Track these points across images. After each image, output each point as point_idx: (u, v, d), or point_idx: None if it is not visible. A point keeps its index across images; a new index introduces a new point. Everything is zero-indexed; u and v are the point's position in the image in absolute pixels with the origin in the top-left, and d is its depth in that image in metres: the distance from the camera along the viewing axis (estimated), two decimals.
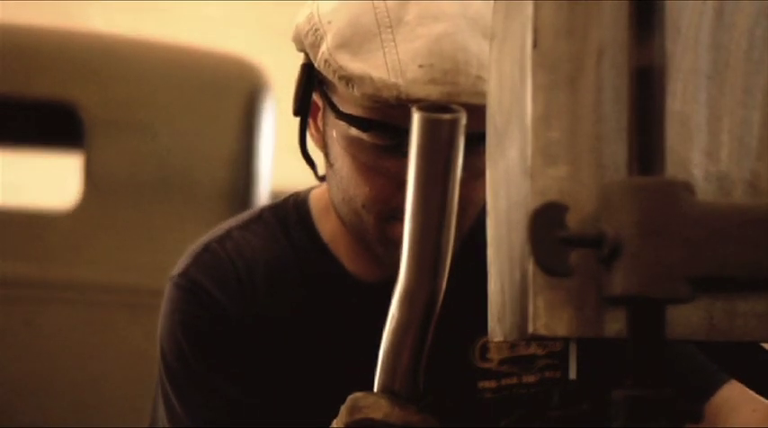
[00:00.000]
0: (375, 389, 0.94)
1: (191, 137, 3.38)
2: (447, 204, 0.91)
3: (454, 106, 0.92)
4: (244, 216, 1.33)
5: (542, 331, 0.78)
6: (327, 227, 1.27)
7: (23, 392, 3.47)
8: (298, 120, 1.25)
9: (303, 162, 1.31)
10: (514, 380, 1.18)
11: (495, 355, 1.18)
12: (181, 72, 3.46)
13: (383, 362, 0.94)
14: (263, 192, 3.15)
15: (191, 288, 1.24)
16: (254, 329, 1.24)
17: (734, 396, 1.20)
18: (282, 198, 1.32)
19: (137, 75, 3.36)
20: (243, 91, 3.40)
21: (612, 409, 0.77)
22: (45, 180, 3.55)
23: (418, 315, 0.93)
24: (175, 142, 3.36)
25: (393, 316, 0.93)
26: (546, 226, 0.76)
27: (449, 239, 0.92)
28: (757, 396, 1.20)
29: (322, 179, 1.24)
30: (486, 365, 1.18)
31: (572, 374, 0.84)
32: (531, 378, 1.18)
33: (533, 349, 1.19)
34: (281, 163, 3.44)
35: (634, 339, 0.76)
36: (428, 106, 0.92)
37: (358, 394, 0.93)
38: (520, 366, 1.18)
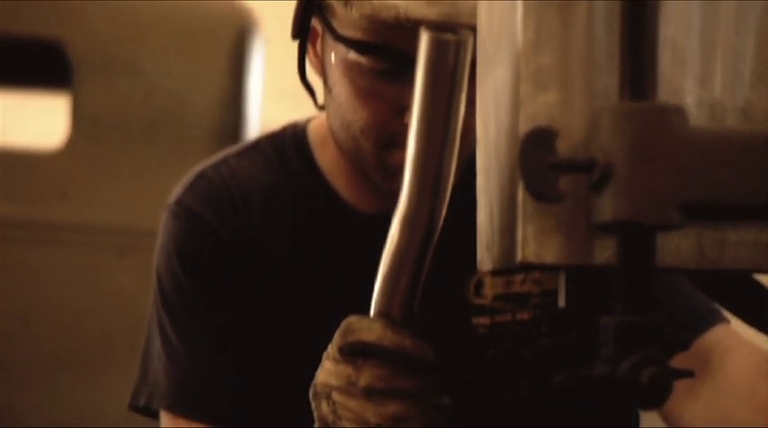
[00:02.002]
0: (371, 314, 0.93)
1: (179, 77, 3.35)
2: (451, 127, 0.91)
3: (463, 29, 0.91)
4: (240, 145, 1.32)
5: (531, 258, 0.78)
6: (325, 157, 1.26)
7: (10, 333, 3.47)
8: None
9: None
10: (508, 317, 1.18)
11: (489, 291, 1.18)
12: (170, 12, 3.43)
13: (381, 286, 0.93)
14: (253, 133, 3.14)
15: (186, 216, 1.24)
16: (250, 257, 1.23)
17: (727, 337, 1.20)
18: (280, 128, 1.31)
19: (125, 14, 3.33)
20: (232, 31, 3.38)
21: (601, 336, 0.76)
22: (32, 120, 3.52)
23: (418, 238, 0.92)
24: (164, 82, 3.34)
25: (393, 239, 0.93)
26: (536, 151, 0.75)
27: (451, 163, 0.92)
28: (749, 340, 1.19)
29: (321, 108, 1.23)
30: (481, 301, 1.18)
31: (561, 303, 0.83)
32: (524, 316, 1.18)
33: (528, 287, 1.18)
34: (271, 106, 3.42)
35: (623, 266, 0.75)
36: (437, 27, 0.91)
37: (352, 317, 0.93)
38: (514, 303, 1.18)
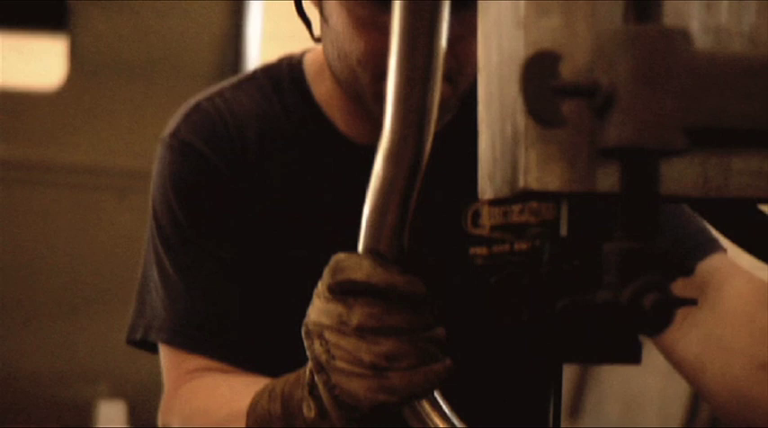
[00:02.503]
0: (359, 250, 0.92)
1: (177, 17, 3.33)
2: (433, 56, 0.88)
3: None
4: (236, 77, 1.30)
5: (533, 185, 0.77)
6: (321, 89, 1.25)
7: (11, 273, 3.47)
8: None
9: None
10: (506, 248, 1.16)
11: (487, 222, 1.17)
12: None
13: (367, 223, 0.91)
14: None
15: (181, 148, 1.23)
16: (246, 188, 1.22)
17: (724, 266, 1.19)
18: (276, 60, 1.30)
19: None
20: None
21: (604, 262, 0.75)
22: (30, 61, 3.50)
23: (403, 173, 0.90)
24: (162, 23, 3.32)
25: (377, 175, 0.91)
26: (539, 75, 0.74)
27: (434, 95, 0.89)
28: (747, 270, 1.18)
29: (318, 40, 1.22)
30: (478, 231, 1.17)
31: (563, 231, 0.83)
32: (522, 246, 1.17)
33: (526, 217, 1.17)
34: (269, 46, 3.40)
35: (627, 192, 0.74)
36: None
37: (341, 255, 0.91)
38: (512, 233, 1.17)
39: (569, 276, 0.79)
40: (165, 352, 1.24)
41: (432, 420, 0.91)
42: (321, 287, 0.92)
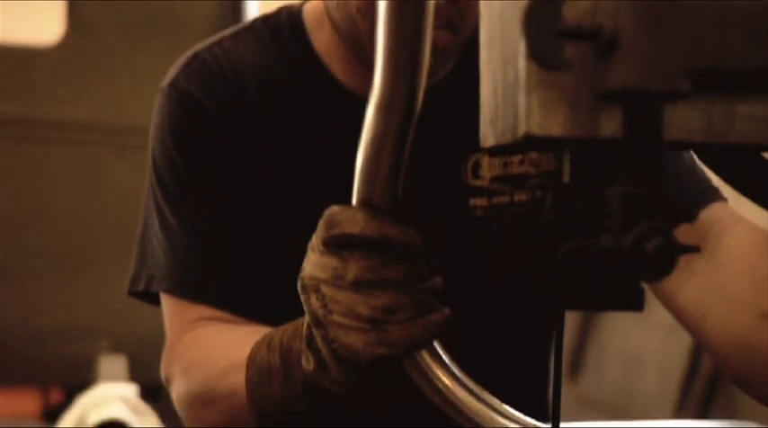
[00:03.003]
0: (353, 202, 0.91)
1: None
2: (424, 3, 0.87)
3: None
4: (235, 27, 1.29)
5: (536, 130, 0.76)
6: (321, 39, 1.24)
7: (11, 230, 3.47)
8: None
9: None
10: (506, 199, 1.16)
11: (486, 173, 1.16)
12: None
13: (360, 174, 0.90)
14: None
15: (180, 97, 1.22)
16: (245, 138, 1.22)
17: (725, 215, 1.18)
18: (275, 10, 1.29)
19: None
20: None
21: (606, 207, 0.75)
22: (29, 17, 3.48)
23: (395, 123, 0.89)
24: None
25: (369, 126, 0.90)
26: (541, 18, 0.73)
27: (426, 43, 0.88)
28: (748, 219, 1.17)
29: None
30: (478, 183, 1.16)
31: (565, 178, 0.82)
32: (522, 197, 1.16)
33: (526, 168, 1.16)
34: (269, 2, 3.38)
35: (630, 136, 0.74)
36: None
37: (334, 207, 0.90)
38: (512, 184, 1.16)
39: (571, 223, 0.78)
40: (166, 303, 1.24)
41: (432, 371, 0.91)
42: (315, 240, 0.91)
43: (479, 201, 1.16)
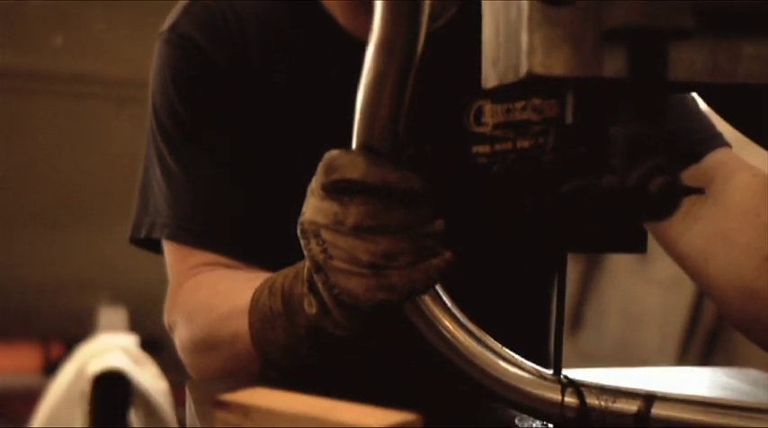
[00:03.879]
0: (353, 146, 0.89)
1: None
2: None
3: None
4: None
5: (538, 69, 0.75)
6: None
7: (7, 184, 3.46)
8: None
9: None
10: (509, 145, 1.15)
11: (489, 119, 1.15)
12: None
13: (360, 118, 0.88)
14: None
15: (180, 42, 1.21)
16: (247, 83, 1.20)
17: (729, 160, 1.17)
18: None
19: None
20: None
21: (610, 147, 0.74)
22: None
23: (395, 65, 0.87)
24: None
25: (368, 68, 0.88)
26: None
27: None
28: (752, 164, 1.16)
29: None
30: (481, 129, 1.15)
31: (568, 119, 0.81)
32: (525, 144, 1.15)
33: (528, 114, 1.15)
34: None
35: (634, 75, 0.73)
36: None
37: (334, 152, 0.88)
38: (514, 131, 1.15)
39: (574, 164, 0.77)
40: (168, 249, 1.23)
41: (434, 315, 0.90)
42: (315, 184, 0.89)
43: (482, 148, 1.15)
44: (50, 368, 3.27)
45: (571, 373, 0.90)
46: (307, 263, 0.92)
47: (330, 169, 0.87)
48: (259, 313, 1.01)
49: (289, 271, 0.99)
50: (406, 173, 0.87)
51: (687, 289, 3.51)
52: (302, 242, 0.89)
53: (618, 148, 0.73)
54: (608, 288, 4.19)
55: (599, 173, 0.74)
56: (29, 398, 2.99)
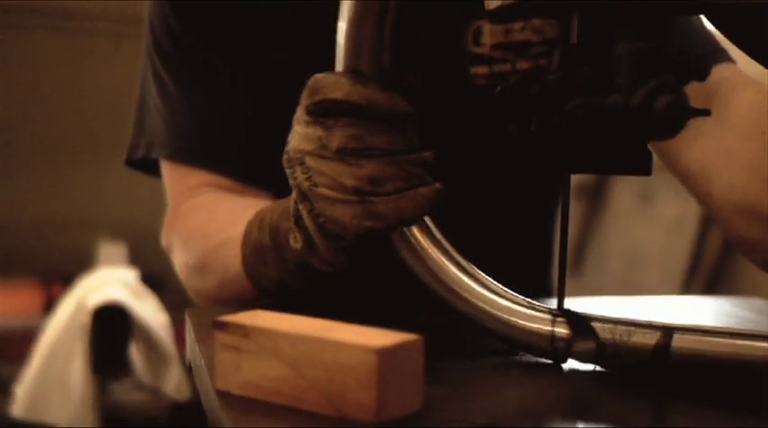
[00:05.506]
0: (341, 67, 0.87)
1: None
2: None
3: None
4: None
5: None
6: None
7: (4, 122, 3.45)
8: None
9: None
10: (508, 67, 1.13)
11: (488, 40, 1.13)
12: None
13: (344, 41, 0.86)
14: None
15: None
16: (243, 3, 1.18)
17: (734, 76, 1.14)
18: None
19: None
20: None
21: (615, 64, 0.72)
22: None
23: None
24: None
25: None
26: None
27: None
28: (755, 79, 1.13)
29: None
30: (479, 50, 1.13)
31: (572, 39, 0.79)
32: (524, 65, 1.13)
33: (528, 35, 1.13)
34: None
35: None
36: None
37: (318, 74, 0.86)
38: (513, 52, 1.13)
39: (578, 83, 0.76)
40: (166, 170, 1.22)
41: (422, 247, 0.87)
42: (300, 111, 0.87)
43: (480, 69, 1.13)
44: (51, 308, 3.28)
45: (571, 302, 0.89)
46: (293, 194, 0.90)
47: (314, 91, 0.85)
48: (251, 247, 0.99)
49: (278, 206, 0.97)
50: (392, 95, 0.84)
51: (689, 229, 3.51)
52: (288, 171, 0.87)
53: (623, 66, 0.71)
54: (609, 228, 4.18)
55: (604, 92, 0.73)
56: (30, 339, 2.99)
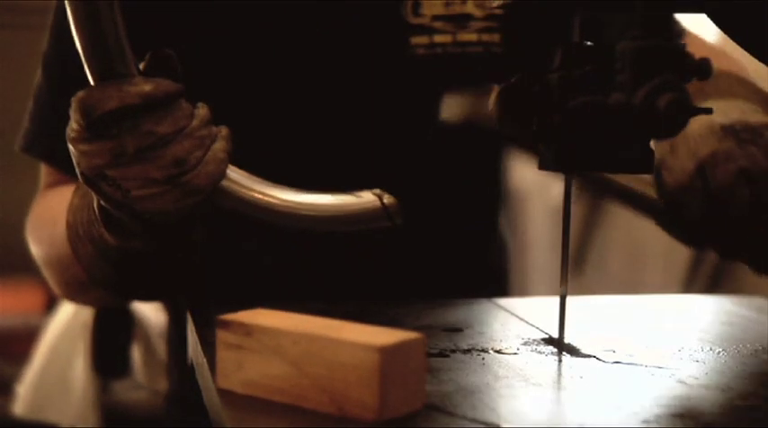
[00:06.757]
0: (91, 82, 0.85)
1: None
2: None
3: None
4: None
5: None
6: None
7: (10, 118, 3.45)
8: None
9: None
10: (449, 39, 1.13)
11: (427, 11, 1.13)
12: None
13: (84, 47, 0.84)
14: None
15: None
16: None
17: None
18: None
19: None
20: None
21: (618, 63, 0.72)
22: None
23: None
24: None
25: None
26: None
27: None
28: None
29: None
30: (419, 21, 1.13)
31: (575, 38, 0.79)
32: (466, 37, 1.14)
33: (470, 8, 1.14)
34: None
35: None
36: None
37: (80, 93, 0.84)
38: (454, 24, 1.13)
39: (581, 82, 0.76)
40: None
41: (240, 190, 0.88)
42: (75, 133, 0.85)
43: (420, 40, 1.13)
44: (53, 307, 3.27)
45: (573, 300, 0.89)
46: (94, 205, 0.91)
47: (87, 110, 0.84)
48: (81, 256, 1.00)
49: (81, 215, 0.97)
50: (158, 81, 0.85)
51: None
52: (92, 190, 0.87)
53: (625, 64, 0.71)
54: (611, 225, 4.18)
55: (606, 91, 0.73)
56: (31, 338, 2.98)
